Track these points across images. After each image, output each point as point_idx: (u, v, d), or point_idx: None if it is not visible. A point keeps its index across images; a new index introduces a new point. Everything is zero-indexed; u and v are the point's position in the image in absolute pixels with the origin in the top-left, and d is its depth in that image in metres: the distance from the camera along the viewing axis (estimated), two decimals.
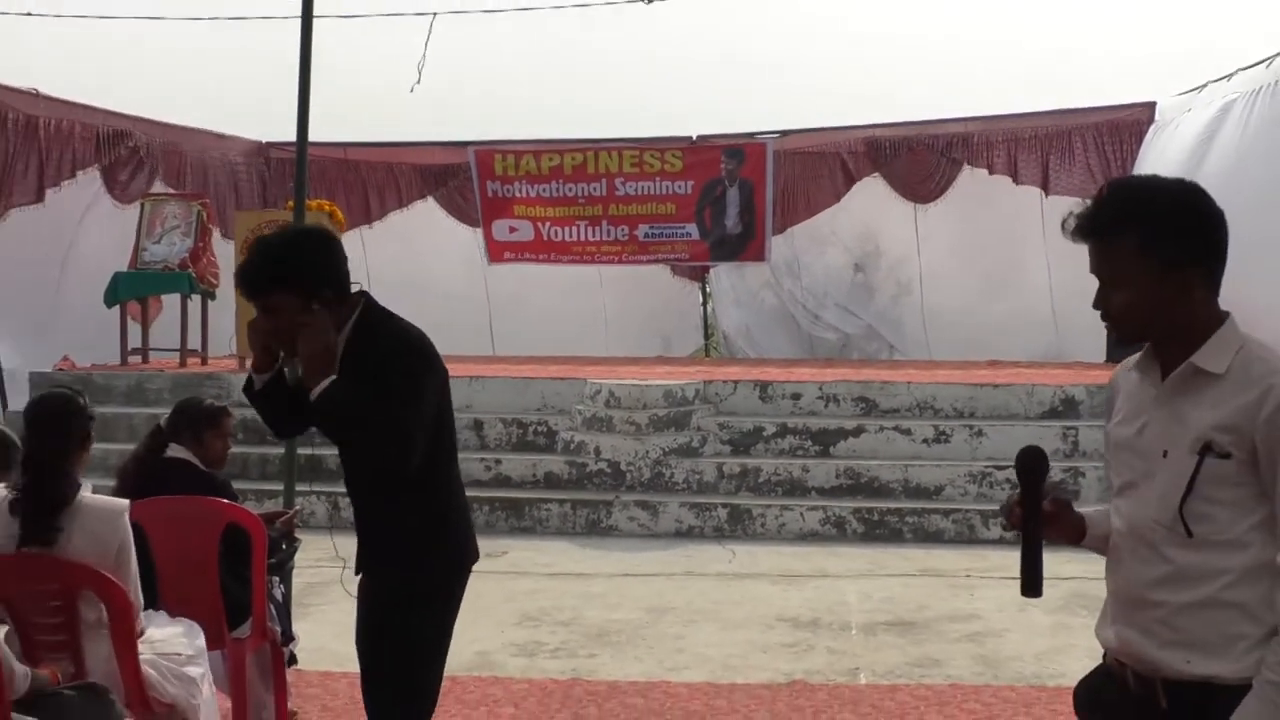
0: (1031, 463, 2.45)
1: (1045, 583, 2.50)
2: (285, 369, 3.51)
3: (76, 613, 3.94)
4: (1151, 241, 2.28)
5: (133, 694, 3.92)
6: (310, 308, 3.28)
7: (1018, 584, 2.54)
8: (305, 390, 3.36)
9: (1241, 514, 2.25)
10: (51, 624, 3.93)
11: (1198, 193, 2.35)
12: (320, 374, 3.27)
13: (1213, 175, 10.86)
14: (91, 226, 12.37)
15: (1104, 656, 2.52)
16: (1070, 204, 2.49)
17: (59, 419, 4.10)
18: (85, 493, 3.95)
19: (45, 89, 11.97)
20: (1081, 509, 2.57)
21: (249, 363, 3.58)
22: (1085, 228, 2.36)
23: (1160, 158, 12.23)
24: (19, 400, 10.99)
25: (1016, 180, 13.45)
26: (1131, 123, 13.30)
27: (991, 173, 13.62)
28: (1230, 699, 2.21)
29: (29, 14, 12.45)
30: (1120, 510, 2.43)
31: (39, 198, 11.83)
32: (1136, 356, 2.48)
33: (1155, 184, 2.40)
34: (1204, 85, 11.78)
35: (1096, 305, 2.39)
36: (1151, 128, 13.02)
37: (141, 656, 4.03)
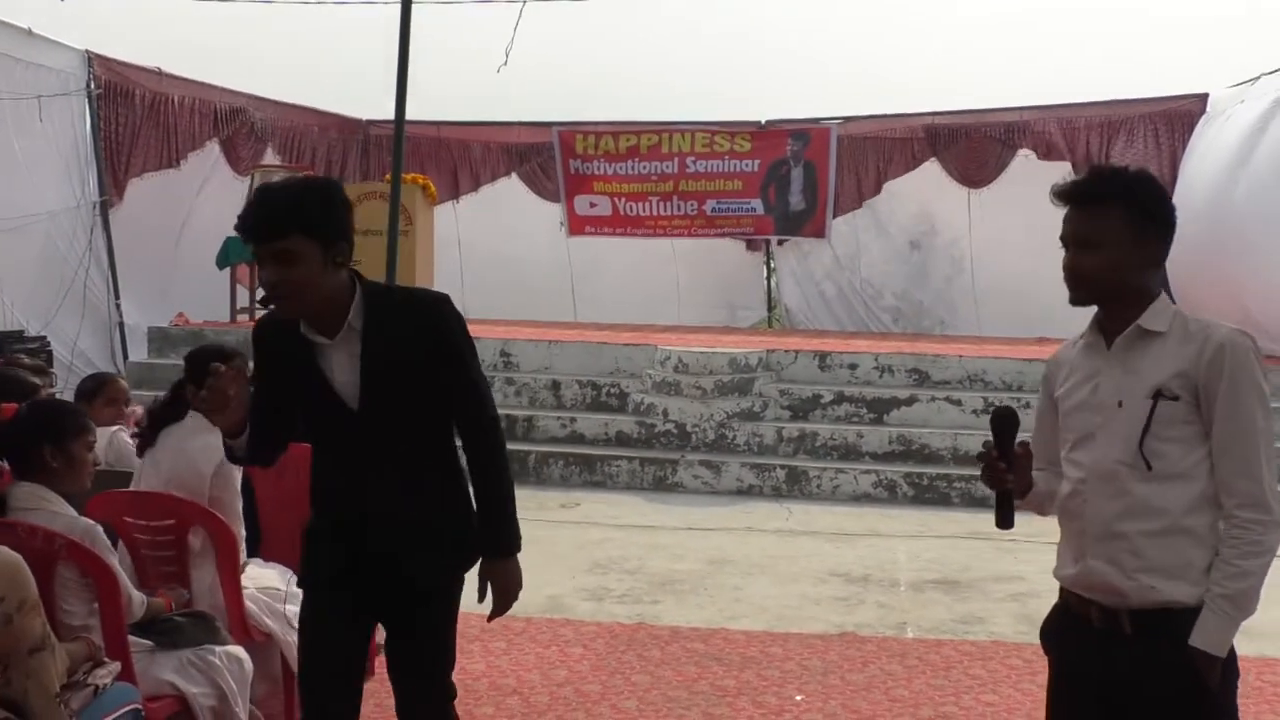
0: (1005, 420, 2.74)
1: None
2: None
3: (186, 547, 4.01)
4: (1132, 213, 2.52)
5: (235, 622, 3.99)
6: (329, 263, 2.73)
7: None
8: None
9: (1189, 450, 2.48)
10: (163, 556, 4.01)
11: (1162, 184, 2.64)
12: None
13: (1264, 165, 10.54)
14: (207, 195, 12.53)
15: (1060, 594, 2.71)
16: None
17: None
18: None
19: (169, 68, 12.13)
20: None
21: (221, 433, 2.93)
22: (1079, 194, 2.57)
23: (1210, 148, 11.87)
24: (139, 352, 11.24)
25: (1074, 168, 13.13)
26: (1184, 113, 12.90)
27: (1043, 158, 13.31)
28: (1185, 619, 2.42)
29: None
30: (1078, 462, 2.62)
31: (170, 163, 12.03)
32: (1075, 337, 2.74)
33: (1135, 171, 2.64)
34: (1258, 77, 11.39)
35: (1067, 265, 2.58)
36: (1203, 118, 12.62)
37: (244, 591, 4.10)
